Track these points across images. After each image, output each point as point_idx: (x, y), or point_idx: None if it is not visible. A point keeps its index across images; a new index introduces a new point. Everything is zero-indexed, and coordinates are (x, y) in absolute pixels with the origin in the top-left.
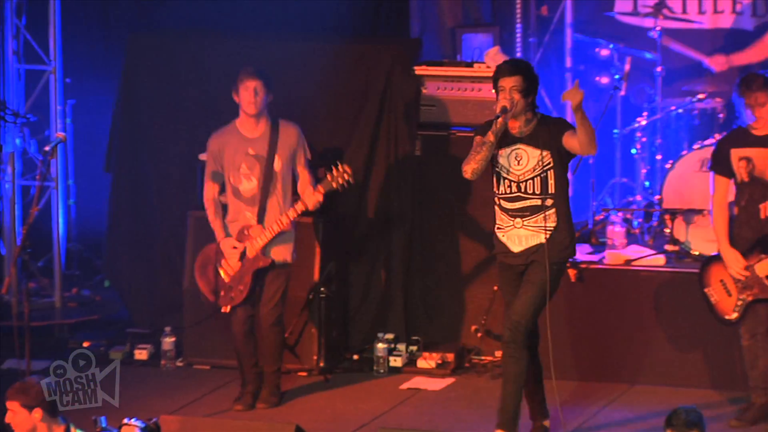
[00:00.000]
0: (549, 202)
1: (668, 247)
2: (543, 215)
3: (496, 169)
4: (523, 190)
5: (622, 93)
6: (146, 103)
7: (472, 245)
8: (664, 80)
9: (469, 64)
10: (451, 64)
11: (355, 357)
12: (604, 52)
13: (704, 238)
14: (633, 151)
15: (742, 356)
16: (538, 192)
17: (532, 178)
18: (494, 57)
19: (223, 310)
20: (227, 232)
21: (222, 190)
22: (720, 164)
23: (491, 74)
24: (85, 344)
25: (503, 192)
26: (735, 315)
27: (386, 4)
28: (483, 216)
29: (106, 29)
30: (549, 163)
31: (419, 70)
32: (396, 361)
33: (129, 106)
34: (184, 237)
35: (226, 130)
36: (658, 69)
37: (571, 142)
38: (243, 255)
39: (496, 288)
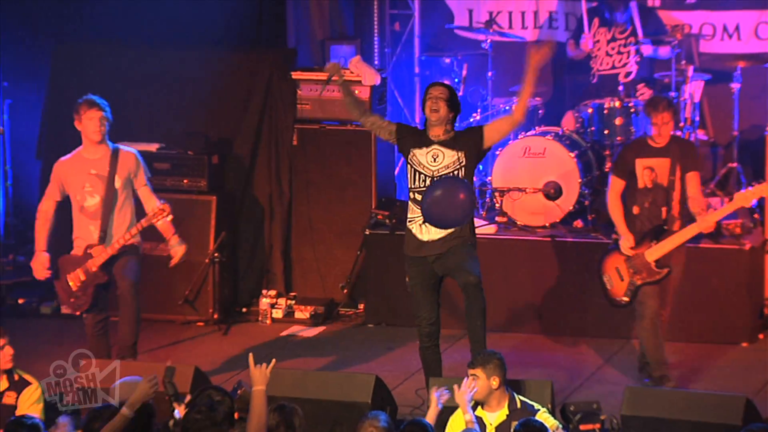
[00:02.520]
0: None
1: (498, 219)
2: None
3: (414, 166)
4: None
5: (461, 93)
6: (69, 102)
7: (339, 218)
8: (494, 83)
9: None
10: (321, 69)
11: (244, 310)
12: (446, 61)
13: (526, 211)
14: None
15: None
16: None
17: (445, 174)
18: (356, 64)
19: (65, 312)
20: (46, 246)
21: (57, 208)
22: (619, 168)
23: (354, 78)
24: (20, 301)
25: (417, 186)
26: (626, 298)
27: (266, 19)
28: (348, 194)
29: (36, 40)
30: (463, 162)
31: (295, 75)
32: (277, 313)
33: (55, 105)
34: None
35: (70, 157)
36: (489, 74)
37: (498, 125)
38: (87, 270)
39: (359, 252)
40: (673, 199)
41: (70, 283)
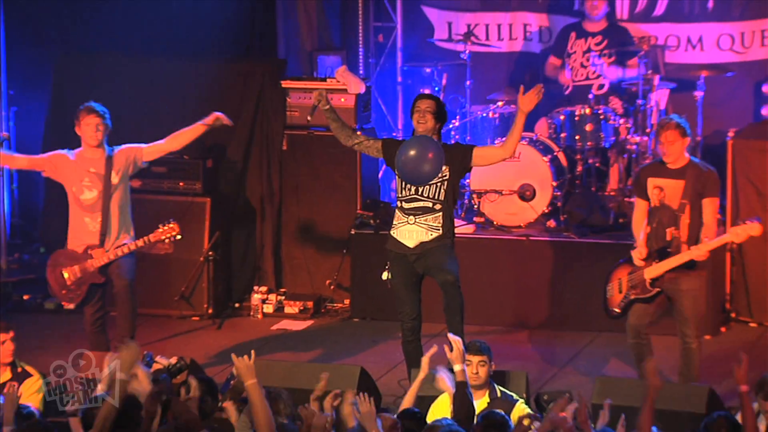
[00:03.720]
0: (438, 206)
1: (476, 219)
2: (432, 216)
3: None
4: (419, 193)
5: None
6: (72, 109)
7: (327, 218)
8: (472, 91)
9: (323, 79)
10: (310, 79)
11: (237, 305)
12: (427, 70)
13: (503, 212)
14: None
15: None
16: (430, 196)
17: (428, 184)
18: (342, 74)
19: (65, 307)
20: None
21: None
22: (636, 188)
23: (340, 86)
24: (25, 297)
25: (403, 194)
26: (618, 310)
27: (258, 31)
28: (334, 196)
29: (39, 51)
30: (446, 176)
31: (285, 84)
32: (268, 308)
33: (58, 112)
34: None
35: (73, 153)
36: (468, 83)
37: (487, 153)
38: (84, 268)
39: (345, 251)
40: (680, 222)
41: (65, 275)
